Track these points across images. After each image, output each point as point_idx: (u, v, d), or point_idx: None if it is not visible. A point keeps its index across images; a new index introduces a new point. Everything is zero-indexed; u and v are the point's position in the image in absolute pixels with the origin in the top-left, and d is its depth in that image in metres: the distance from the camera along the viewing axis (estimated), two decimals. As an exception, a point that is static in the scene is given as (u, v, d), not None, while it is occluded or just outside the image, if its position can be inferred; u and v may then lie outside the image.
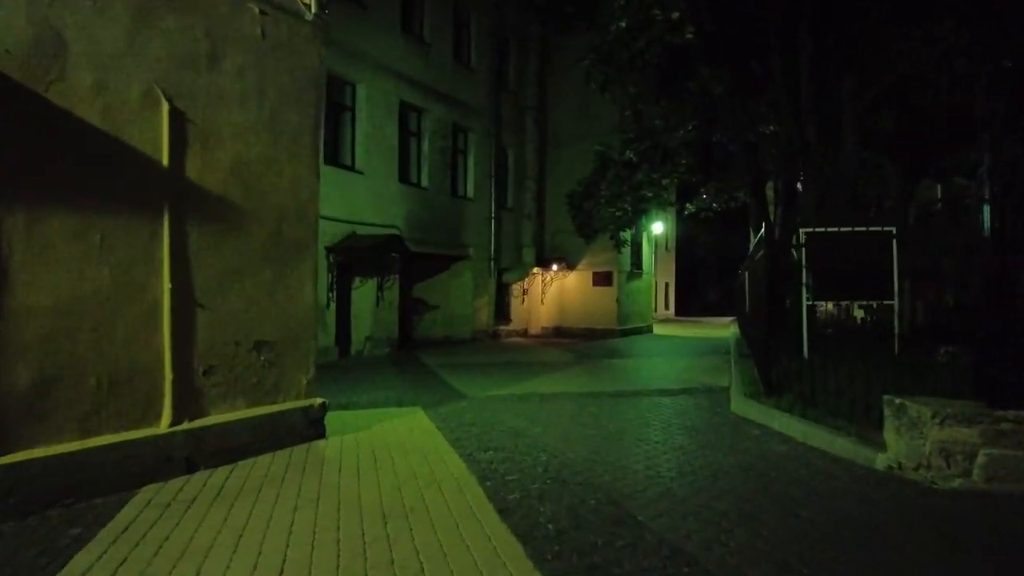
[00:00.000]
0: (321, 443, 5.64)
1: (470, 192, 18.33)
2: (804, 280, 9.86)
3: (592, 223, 14.71)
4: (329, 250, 13.38)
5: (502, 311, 19.99)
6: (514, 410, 7.40)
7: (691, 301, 47.23)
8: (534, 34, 19.84)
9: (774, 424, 6.27)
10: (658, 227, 24.18)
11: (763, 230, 7.41)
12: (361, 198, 14.29)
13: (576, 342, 18.91)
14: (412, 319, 19.24)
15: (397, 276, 15.19)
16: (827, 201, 12.65)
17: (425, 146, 16.53)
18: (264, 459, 5.04)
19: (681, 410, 7.48)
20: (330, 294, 13.46)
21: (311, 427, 5.70)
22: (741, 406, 7.27)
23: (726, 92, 11.78)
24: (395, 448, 5.41)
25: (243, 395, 5.17)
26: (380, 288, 14.75)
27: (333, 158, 13.81)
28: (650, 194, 12.60)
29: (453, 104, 17.26)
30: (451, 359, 13.87)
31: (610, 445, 5.54)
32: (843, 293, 9.76)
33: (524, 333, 20.98)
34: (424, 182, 16.50)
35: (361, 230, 14.12)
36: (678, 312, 42.55)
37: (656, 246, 30.59)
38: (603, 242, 20.75)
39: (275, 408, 5.41)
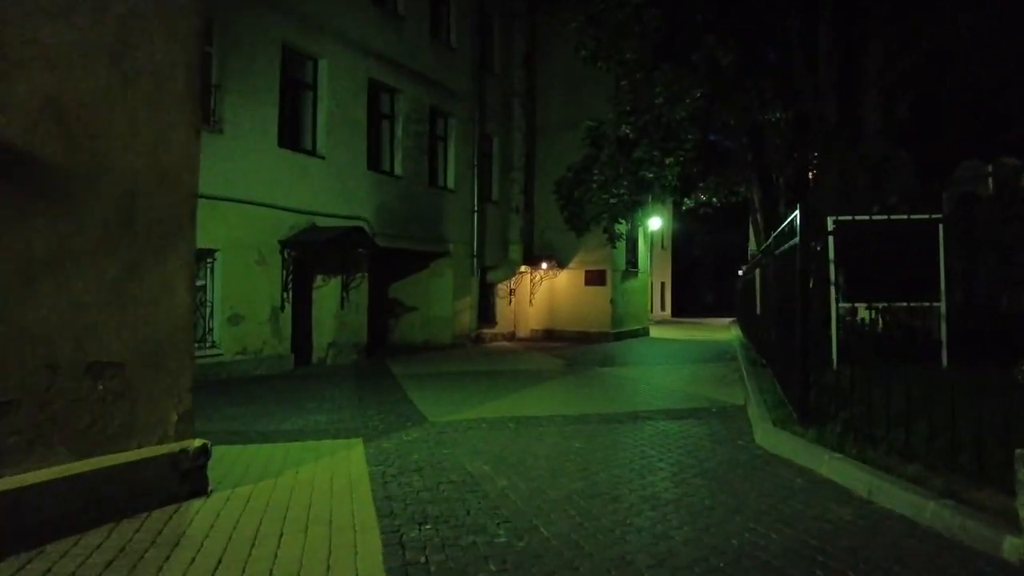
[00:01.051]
0: (197, 503, 4.03)
1: (451, 183, 16.71)
2: (833, 278, 8.33)
3: (583, 214, 13.11)
4: (284, 244, 11.75)
5: (487, 313, 18.38)
6: (479, 444, 5.80)
7: (687, 302, 45.74)
8: (520, 11, 18.24)
9: (822, 469, 4.68)
10: (655, 222, 22.62)
11: (794, 217, 5.87)
12: (322, 186, 12.66)
13: (567, 347, 17.33)
14: (388, 322, 17.64)
15: (365, 274, 13.57)
16: (848, 190, 11.15)
17: (399, 131, 14.91)
18: (94, 537, 3.42)
19: (693, 443, 5.89)
20: (284, 295, 11.83)
21: (183, 482, 4.08)
22: (770, 438, 5.69)
23: (734, 63, 10.26)
24: (295, 517, 3.80)
25: (67, 442, 3.55)
26: (345, 288, 13.12)
27: (290, 141, 12.19)
28: (651, 174, 10.97)
29: (431, 85, 15.64)
30: (424, 368, 12.26)
31: (603, 509, 3.94)
32: (878, 293, 8.17)
33: (511, 337, 19.39)
34: (398, 170, 14.88)
35: (322, 222, 12.50)
36: (674, 313, 41.04)
37: (652, 244, 29.07)
38: (596, 237, 19.14)
39: (123, 458, 3.79)
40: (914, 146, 13.98)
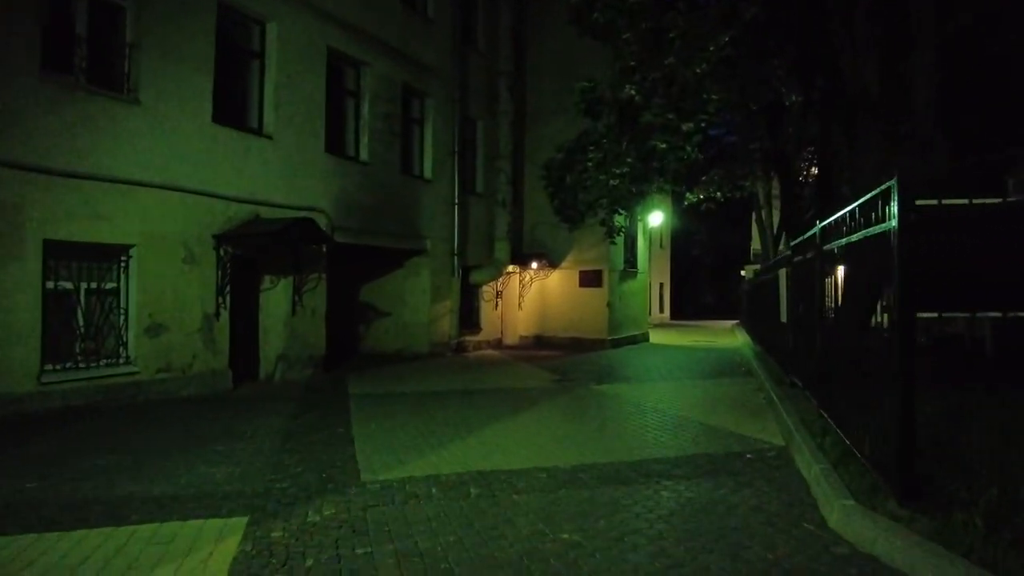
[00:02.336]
0: None
1: (427, 171, 14.79)
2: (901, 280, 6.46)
3: (577, 203, 11.17)
4: (219, 239, 9.82)
5: (470, 318, 16.48)
6: (419, 531, 3.91)
7: (685, 303, 43.97)
8: (506, -20, 16.33)
9: (971, 604, 2.80)
10: (656, 218, 20.75)
11: (876, 196, 4.03)
12: (269, 171, 10.73)
13: (559, 356, 15.43)
14: (358, 329, 15.73)
15: (322, 275, 11.64)
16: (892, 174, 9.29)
17: (365, 110, 12.98)
18: None
19: (736, 527, 3.99)
20: (220, 299, 9.90)
21: None
22: (856, 524, 3.78)
23: (758, 19, 8.41)
24: None
25: None
26: (298, 291, 11.19)
27: (229, 116, 10.25)
28: (663, 144, 8.99)
29: (403, 60, 13.73)
30: (389, 385, 10.34)
31: None
32: (957, 300, 6.32)
33: (498, 344, 17.48)
34: (364, 156, 12.95)
35: (269, 213, 10.57)
36: (672, 315, 39.21)
37: (651, 242, 27.22)
38: (592, 233, 17.30)
39: None
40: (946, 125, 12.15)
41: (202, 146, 9.66)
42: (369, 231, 12.93)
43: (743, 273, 37.54)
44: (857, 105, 9.12)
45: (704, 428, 7.02)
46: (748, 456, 5.74)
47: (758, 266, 31.69)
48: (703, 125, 8.39)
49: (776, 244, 26.65)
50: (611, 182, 9.55)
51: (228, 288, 10.02)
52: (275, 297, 11.01)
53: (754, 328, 17.99)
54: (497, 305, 17.33)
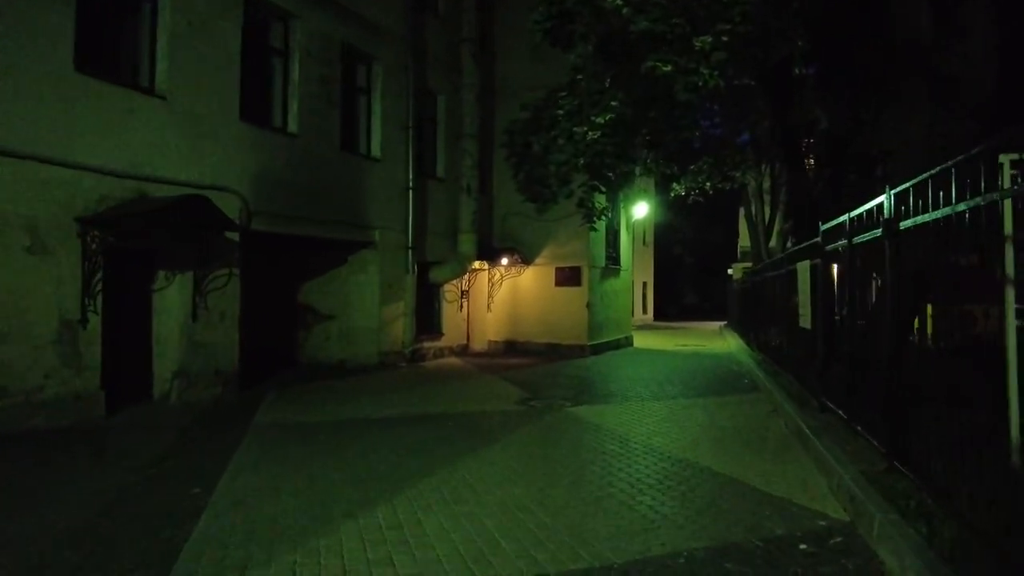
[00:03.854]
0: None
1: (375, 149, 12.60)
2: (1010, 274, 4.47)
3: (545, 177, 8.99)
4: (85, 223, 7.57)
5: (430, 322, 14.32)
6: None
7: (668, 303, 42.12)
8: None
9: None
10: (641, 210, 18.77)
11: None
12: (162, 139, 8.50)
13: (532, 364, 13.34)
14: (298, 336, 13.50)
15: (234, 270, 9.43)
16: (945, 145, 7.40)
17: (295, 72, 10.77)
18: None
19: None
20: (89, 301, 7.65)
21: None
22: None
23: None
24: None
25: None
26: (200, 290, 8.97)
27: (103, 67, 8.00)
28: (667, 67, 6.58)
29: (344, 16, 11.54)
30: (311, 411, 8.16)
31: None
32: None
33: (463, 351, 15.34)
34: (292, 127, 10.74)
35: (160, 191, 8.33)
36: (656, 316, 37.32)
37: (634, 237, 25.25)
38: (569, 225, 15.26)
39: None
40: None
41: (60, 104, 7.40)
42: (299, 218, 10.71)
43: (730, 272, 35.77)
44: (905, 57, 7.20)
45: (720, 484, 4.93)
46: (803, 547, 3.65)
47: (748, 264, 29.95)
48: (725, 40, 6.25)
49: (768, 240, 24.85)
50: (589, 135, 7.42)
51: (100, 287, 7.76)
52: (171, 298, 8.78)
53: (750, 332, 16.05)
54: (462, 307, 15.18)
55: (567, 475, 5.17)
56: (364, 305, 12.57)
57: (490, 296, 16.31)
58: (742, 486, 4.85)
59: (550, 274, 15.93)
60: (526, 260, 15.96)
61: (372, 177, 12.37)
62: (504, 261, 15.58)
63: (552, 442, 6.33)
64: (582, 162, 7.69)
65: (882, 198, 4.63)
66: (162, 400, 8.71)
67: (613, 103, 7.17)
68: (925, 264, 4.13)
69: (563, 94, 8.13)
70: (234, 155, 9.48)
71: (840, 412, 6.10)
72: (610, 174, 8.23)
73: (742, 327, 18.94)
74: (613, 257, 17.52)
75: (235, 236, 9.35)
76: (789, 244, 21.50)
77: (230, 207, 9.13)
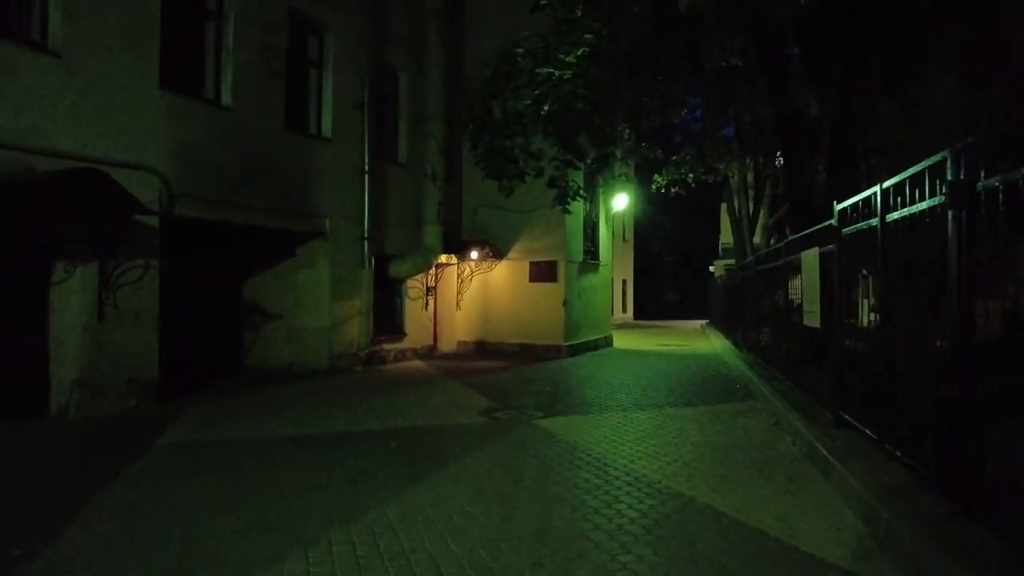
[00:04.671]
0: None
1: (326, 129, 11.31)
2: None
3: (510, 148, 7.72)
4: (-51, 203, 6.21)
5: (391, 321, 13.06)
6: None
7: (649, 302, 41.20)
8: None
9: None
10: (621, 201, 17.66)
11: None
12: (56, 105, 7.15)
13: (503, 367, 12.15)
14: (244, 337, 12.16)
15: (152, 263, 8.10)
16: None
17: (229, 37, 9.45)
18: None
19: None
20: (-45, 297, 6.29)
21: None
22: None
23: None
24: None
25: None
26: (108, 284, 7.63)
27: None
28: None
29: (290, -24, 10.26)
30: (235, 426, 6.88)
31: None
32: None
33: (430, 352, 14.10)
34: (226, 99, 9.42)
35: (52, 165, 6.99)
36: (636, 315, 36.33)
37: (614, 232, 24.19)
38: (544, 218, 14.15)
39: None
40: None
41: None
42: (234, 203, 9.40)
43: (712, 269, 34.92)
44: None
45: (727, 531, 3.77)
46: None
47: (730, 261, 29.04)
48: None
49: (752, 235, 23.93)
50: (555, 75, 6.19)
51: (-27, 279, 6.42)
52: (71, 294, 7.44)
53: (737, 330, 15.03)
54: (427, 304, 13.94)
55: (530, 520, 3.97)
56: (314, 303, 11.27)
57: (459, 293, 15.09)
58: (755, 534, 3.71)
59: (524, 269, 14.76)
60: (498, 254, 14.77)
61: (322, 159, 11.08)
62: (474, 255, 14.37)
63: (515, 470, 5.13)
64: (546, 109, 6.45)
65: (938, 156, 3.51)
66: (60, 415, 7.36)
67: (587, 36, 5.96)
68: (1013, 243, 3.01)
69: (526, 34, 6.93)
70: (151, 127, 8.14)
71: (866, 430, 4.98)
72: (584, 143, 7.03)
73: (727, 326, 17.94)
74: (591, 251, 16.40)
75: (153, 222, 8.02)
76: (773, 241, 20.59)
77: (146, 187, 7.81)
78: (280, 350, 11.64)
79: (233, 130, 9.40)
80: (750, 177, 23.95)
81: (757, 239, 24.03)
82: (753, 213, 24.03)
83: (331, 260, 11.19)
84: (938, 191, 3.54)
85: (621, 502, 4.28)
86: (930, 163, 3.63)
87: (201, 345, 11.16)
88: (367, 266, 11.64)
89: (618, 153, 10.23)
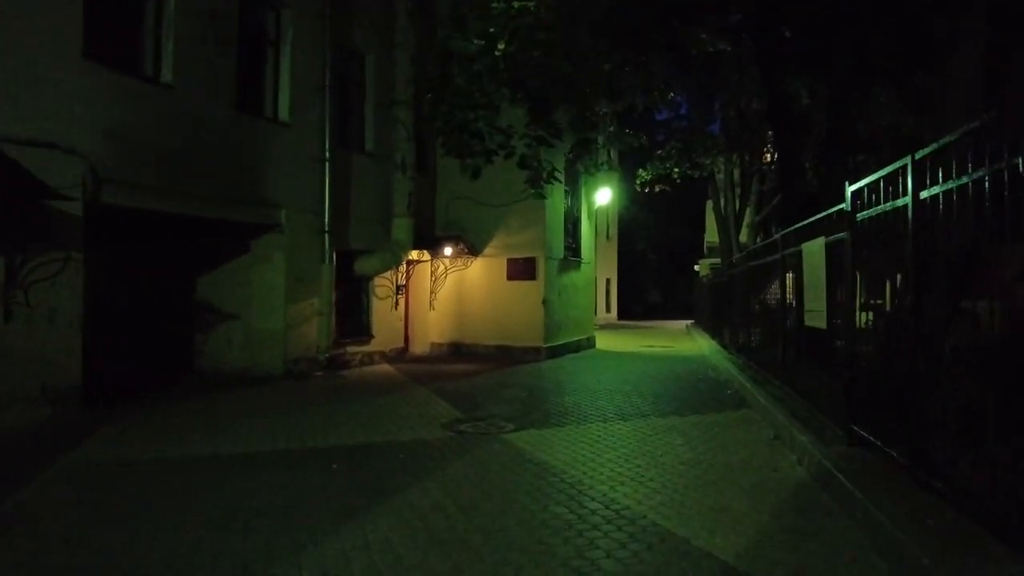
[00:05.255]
0: None
1: (283, 112, 10.40)
2: None
3: (472, 120, 6.85)
4: None
5: (357, 322, 12.16)
6: None
7: (633, 302, 40.54)
8: None
9: None
10: (604, 195, 16.89)
11: None
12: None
13: (478, 371, 11.30)
14: (196, 339, 11.21)
15: (74, 255, 7.15)
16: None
17: (170, 4, 8.51)
18: None
19: None
20: None
21: None
22: None
23: None
24: None
25: None
26: (15, 281, 6.68)
27: None
28: None
29: (240, -57, 9.34)
30: (158, 444, 5.95)
31: None
32: None
33: (400, 355, 13.20)
34: (167, 74, 8.49)
35: (-59, 144, 6.03)
36: (620, 315, 35.62)
37: (597, 230, 23.43)
38: (523, 212, 13.35)
39: None
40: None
41: None
42: (175, 191, 8.47)
43: (697, 268, 34.32)
44: None
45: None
46: None
47: (715, 260, 28.40)
48: None
49: (738, 233, 23.29)
50: (514, 5, 5.39)
51: None
52: (-28, 291, 6.48)
53: (724, 331, 14.31)
54: (397, 304, 13.04)
55: None
56: (268, 302, 10.35)
57: (432, 292, 14.22)
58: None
59: (501, 266, 13.91)
60: (474, 250, 13.91)
61: (278, 146, 10.16)
62: (448, 251, 13.50)
63: (472, 503, 4.28)
64: (502, 48, 5.58)
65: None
66: (-42, 430, 6.40)
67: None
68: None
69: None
70: (72, 103, 7.19)
71: (890, 451, 4.19)
72: (560, 121, 6.19)
73: (714, 326, 17.22)
74: (573, 248, 15.60)
75: (75, 209, 7.08)
76: (759, 238, 19.95)
77: (65, 170, 6.87)
78: (235, 354, 10.70)
79: (175, 110, 8.47)
80: (736, 174, 23.34)
81: (743, 238, 23.41)
82: (739, 210, 23.41)
83: (288, 255, 10.27)
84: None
85: (597, 548, 3.45)
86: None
87: (148, 348, 10.19)
88: (328, 262, 10.73)
89: (600, 139, 9.43)
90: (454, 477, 4.85)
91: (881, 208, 4.27)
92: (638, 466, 5.13)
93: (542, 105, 6.18)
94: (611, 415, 7.41)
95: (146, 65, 8.36)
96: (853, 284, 4.96)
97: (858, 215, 4.77)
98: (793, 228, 6.77)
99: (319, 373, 10.60)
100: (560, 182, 8.53)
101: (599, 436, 6.28)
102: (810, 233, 6.40)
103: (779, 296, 7.99)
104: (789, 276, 7.67)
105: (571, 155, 9.17)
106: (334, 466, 5.18)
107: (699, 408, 7.84)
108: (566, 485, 4.62)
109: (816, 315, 6.00)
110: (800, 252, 6.73)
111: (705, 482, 4.69)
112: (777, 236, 7.69)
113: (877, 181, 4.35)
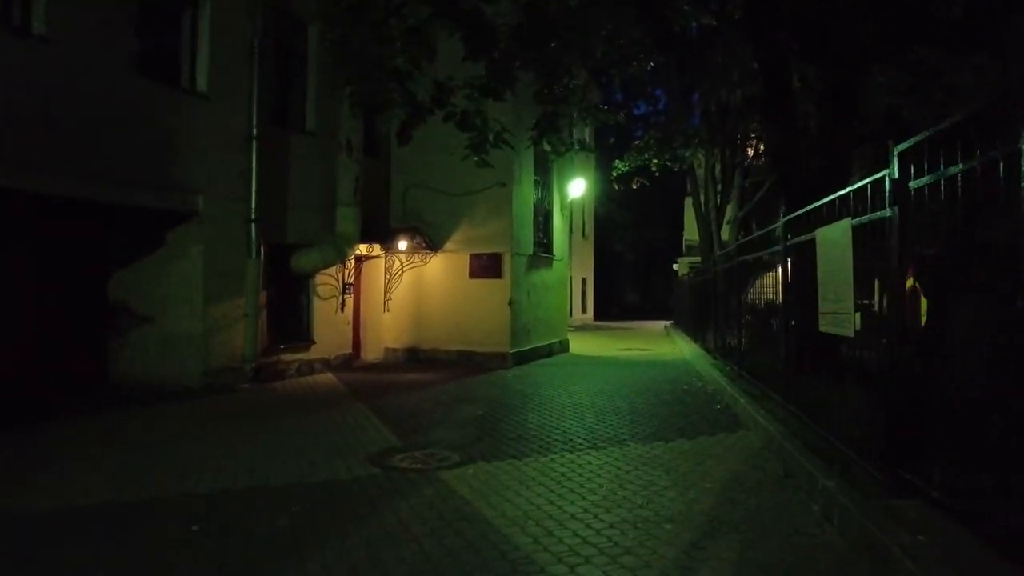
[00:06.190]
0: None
1: (200, 81, 8.90)
2: None
3: (386, 55, 5.42)
4: None
5: (294, 326, 10.68)
6: None
7: (610, 303, 39.37)
8: None
9: None
10: (577, 187, 15.58)
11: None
12: None
13: (433, 382, 9.91)
14: (111, 345, 9.68)
15: None
16: None
17: (44, -58, 7.00)
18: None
19: None
20: None
21: None
22: None
23: None
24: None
25: None
26: None
27: None
28: None
29: None
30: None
31: None
32: None
33: (348, 363, 11.74)
34: (39, 25, 6.96)
35: None
36: (597, 316, 34.40)
37: (572, 228, 22.15)
38: (488, 202, 12.04)
39: None
40: None
41: None
42: (55, 169, 6.95)
43: (676, 267, 33.26)
44: None
45: None
46: None
47: (695, 259, 27.29)
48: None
49: (719, 230, 22.18)
50: None
51: None
52: None
53: (707, 334, 13.09)
54: (343, 305, 11.57)
55: None
56: (184, 303, 8.85)
57: (387, 292, 12.78)
58: None
59: (463, 263, 12.52)
60: (432, 245, 12.50)
61: (195, 120, 8.67)
62: (402, 245, 12.08)
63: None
64: None
65: None
66: None
67: None
68: None
69: None
70: None
71: (979, 521, 2.89)
72: (513, 71, 4.79)
73: (696, 327, 16.02)
74: (544, 243, 14.27)
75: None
76: (741, 235, 18.84)
77: None
78: (151, 362, 9.18)
79: (54, 70, 6.96)
80: (718, 169, 22.25)
81: (725, 235, 22.29)
82: (720, 206, 22.31)
83: (207, 248, 8.79)
84: None
85: None
86: None
87: (51, 356, 8.63)
88: (255, 256, 9.25)
89: (575, 113, 8.12)
90: (355, 549, 3.47)
91: (949, 171, 2.97)
92: (610, 526, 3.78)
93: (483, 36, 4.79)
94: (580, 441, 6.08)
95: (12, 12, 6.83)
96: (898, 279, 3.67)
97: (911, 183, 3.48)
98: (803, 211, 5.48)
99: (245, 386, 9.13)
100: (511, 146, 7.19)
101: (563, 473, 4.94)
102: (816, 221, 5.14)
103: (781, 295, 6.73)
104: (788, 271, 6.44)
105: (535, 132, 7.84)
106: (195, 528, 3.76)
107: (686, 430, 6.54)
108: (509, 563, 3.26)
109: (837, 319, 4.72)
110: (811, 241, 5.46)
111: (708, 555, 3.36)
112: (779, 223, 6.41)
113: (937, 131, 3.06)
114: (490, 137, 6.03)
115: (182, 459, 5.36)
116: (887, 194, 3.69)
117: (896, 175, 3.60)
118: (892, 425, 3.75)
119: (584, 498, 4.31)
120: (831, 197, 4.61)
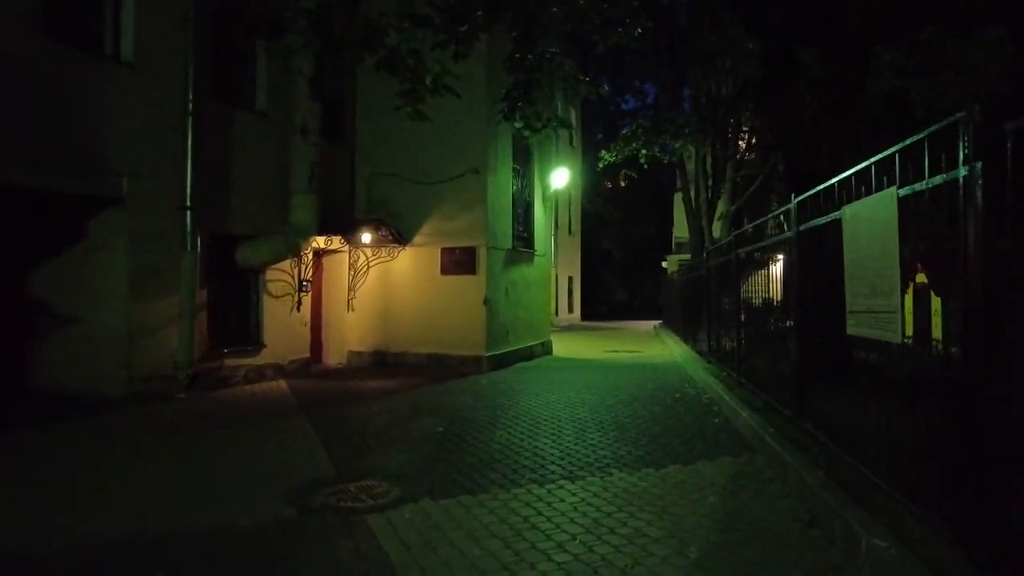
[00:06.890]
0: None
1: (126, 49, 7.77)
2: None
3: None
4: None
5: (240, 327, 9.56)
6: None
7: (597, 302, 38.39)
8: None
9: None
10: (560, 177, 14.55)
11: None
12: None
13: (396, 391, 8.85)
14: (30, 349, 8.55)
15: None
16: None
17: None
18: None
19: None
20: None
21: None
22: None
23: None
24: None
25: None
26: None
27: None
28: None
29: None
30: None
31: None
32: None
33: (304, 369, 10.63)
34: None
35: None
36: (584, 315, 33.39)
37: (557, 223, 21.16)
38: (461, 192, 11.03)
39: None
40: None
41: None
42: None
43: (665, 264, 32.31)
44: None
45: None
46: None
47: (685, 256, 26.35)
48: None
49: (710, 225, 21.24)
50: None
51: None
52: None
53: (699, 335, 12.11)
54: (299, 304, 10.46)
55: None
56: (107, 302, 7.73)
57: (351, 289, 11.68)
58: None
59: (435, 258, 11.45)
60: (401, 238, 11.42)
61: (119, 92, 7.55)
62: (366, 238, 10.98)
63: None
64: None
65: None
66: None
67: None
68: None
69: None
70: None
71: None
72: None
73: (687, 328, 15.03)
74: (524, 238, 13.23)
75: None
76: (733, 230, 17.93)
77: None
78: (73, 368, 8.03)
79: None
80: (708, 162, 21.33)
81: (716, 231, 21.36)
82: (711, 201, 21.38)
83: (131, 239, 7.68)
84: None
85: None
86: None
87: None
88: (191, 248, 8.12)
89: (552, 84, 7.09)
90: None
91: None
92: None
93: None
94: (553, 467, 5.04)
95: None
96: (980, 267, 2.66)
97: (1007, 125, 2.46)
98: (826, 184, 4.45)
99: (181, 395, 8.01)
100: (458, 95, 6.14)
101: (527, 517, 3.90)
102: (829, 206, 4.13)
103: (793, 291, 5.73)
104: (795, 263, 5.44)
105: (506, 105, 6.81)
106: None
107: (681, 453, 5.51)
108: None
109: (876, 319, 3.71)
110: (829, 226, 4.45)
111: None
112: (791, 203, 5.39)
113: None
114: (427, 82, 4.97)
115: (61, 495, 4.29)
116: (963, 147, 2.66)
117: (979, 118, 2.58)
118: (975, 462, 2.74)
119: (549, 558, 3.27)
120: (869, 161, 3.58)
